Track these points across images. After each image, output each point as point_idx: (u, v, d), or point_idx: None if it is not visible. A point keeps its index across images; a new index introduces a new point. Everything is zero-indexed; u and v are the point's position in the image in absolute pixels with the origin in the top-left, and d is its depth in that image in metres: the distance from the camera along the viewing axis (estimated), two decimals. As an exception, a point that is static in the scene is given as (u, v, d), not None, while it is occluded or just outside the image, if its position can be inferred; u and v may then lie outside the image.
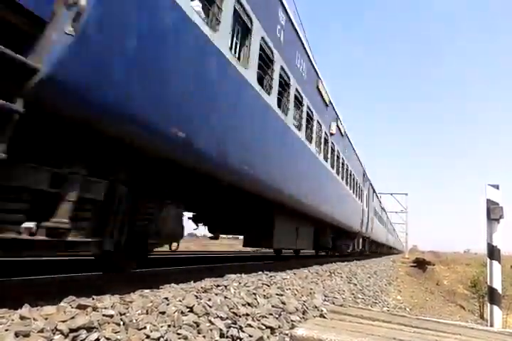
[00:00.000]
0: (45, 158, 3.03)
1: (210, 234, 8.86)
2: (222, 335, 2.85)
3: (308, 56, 8.99)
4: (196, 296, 3.42)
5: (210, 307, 3.19)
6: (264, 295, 4.13)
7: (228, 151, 5.13)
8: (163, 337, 2.50)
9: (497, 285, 7.84)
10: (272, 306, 3.83)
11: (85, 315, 2.43)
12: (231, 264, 7.53)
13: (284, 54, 7.14)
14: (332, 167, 12.07)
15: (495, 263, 7.91)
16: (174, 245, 5.35)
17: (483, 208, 8.13)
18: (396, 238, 63.59)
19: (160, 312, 2.81)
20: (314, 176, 10.01)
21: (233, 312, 3.24)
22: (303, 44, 8.54)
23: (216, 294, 3.68)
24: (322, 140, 10.55)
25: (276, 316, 3.61)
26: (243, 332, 3.01)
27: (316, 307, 4.43)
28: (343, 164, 13.95)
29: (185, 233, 5.41)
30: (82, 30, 2.63)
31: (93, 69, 2.84)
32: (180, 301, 3.16)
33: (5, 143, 2.31)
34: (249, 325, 3.15)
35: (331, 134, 11.55)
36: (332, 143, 11.83)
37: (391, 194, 57.56)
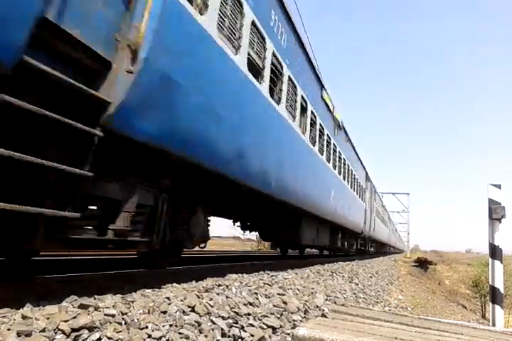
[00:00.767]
0: (115, 172, 3.70)
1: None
2: (223, 335, 2.85)
3: (321, 82, 10.40)
4: (198, 296, 3.42)
5: (212, 306, 3.20)
6: (266, 295, 4.13)
7: (269, 171, 6.57)
8: (164, 337, 2.50)
9: (499, 284, 7.83)
10: (274, 306, 3.83)
11: (87, 315, 2.43)
12: (233, 264, 7.54)
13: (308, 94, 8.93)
14: (339, 173, 13.39)
15: (497, 262, 7.90)
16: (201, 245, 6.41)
17: (485, 208, 8.13)
18: (397, 237, 63.59)
19: (161, 312, 2.81)
20: (325, 183, 11.40)
21: (235, 312, 3.24)
22: (320, 81, 10.25)
23: (218, 294, 3.69)
24: (331, 151, 11.74)
25: (278, 316, 3.61)
26: (245, 331, 3.01)
27: (317, 306, 4.43)
28: (348, 169, 15.13)
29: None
30: (140, 71, 3.22)
31: (149, 102, 3.50)
32: (181, 301, 3.16)
33: (90, 163, 2.91)
34: (251, 325, 3.15)
35: (334, 136, 12.41)
36: (339, 152, 13.14)
37: (393, 194, 57.55)
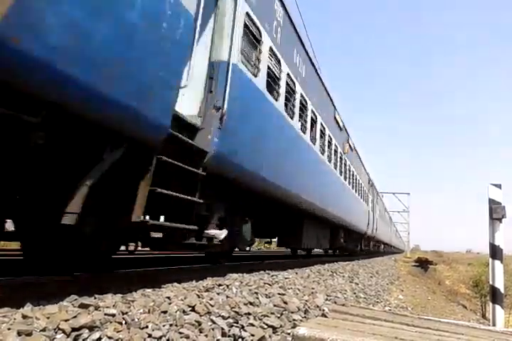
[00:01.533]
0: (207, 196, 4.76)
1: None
2: (224, 334, 2.85)
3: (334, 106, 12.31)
4: (198, 295, 3.42)
5: (212, 306, 3.20)
6: (266, 295, 4.13)
7: (292, 184, 7.89)
8: (165, 336, 2.50)
9: (499, 284, 7.83)
10: (274, 305, 3.83)
11: (87, 314, 2.43)
12: (233, 264, 7.60)
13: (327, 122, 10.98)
14: (345, 179, 14.69)
15: (497, 262, 7.90)
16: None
17: (485, 207, 8.12)
18: (398, 237, 63.64)
19: (162, 312, 2.81)
20: (332, 187, 12.61)
21: (235, 312, 3.24)
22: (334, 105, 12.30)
23: (218, 293, 3.69)
24: (338, 158, 13.19)
25: (278, 315, 3.61)
26: (245, 331, 3.01)
27: (317, 306, 4.42)
28: (353, 175, 16.61)
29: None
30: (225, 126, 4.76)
31: (235, 148, 5.17)
32: (182, 300, 3.17)
33: (198, 192, 4.33)
34: (251, 324, 3.14)
35: (344, 153, 14.33)
36: (345, 159, 14.58)
37: (393, 193, 57.55)
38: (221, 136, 4.69)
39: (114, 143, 3.26)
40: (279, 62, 6.74)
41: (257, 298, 3.85)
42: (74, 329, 2.24)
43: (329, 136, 11.44)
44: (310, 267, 9.36)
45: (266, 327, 3.23)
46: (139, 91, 3.25)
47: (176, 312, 2.85)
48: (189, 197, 4.13)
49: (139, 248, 6.86)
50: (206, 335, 2.72)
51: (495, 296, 7.91)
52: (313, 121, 9.62)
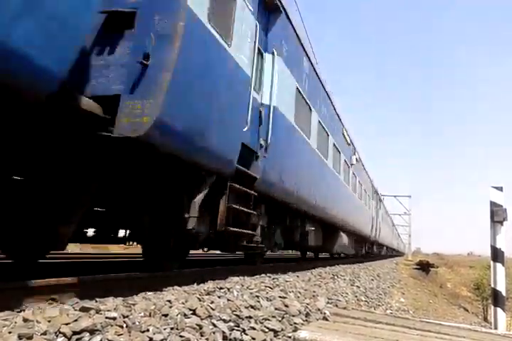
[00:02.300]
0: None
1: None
2: (225, 338, 2.84)
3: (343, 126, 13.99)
4: (199, 299, 3.42)
5: (213, 309, 3.19)
6: (267, 298, 4.13)
7: (314, 196, 9.46)
8: (165, 340, 2.49)
9: (501, 287, 7.81)
10: (275, 309, 3.82)
11: (88, 318, 2.43)
12: (234, 267, 7.59)
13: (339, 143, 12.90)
14: (353, 190, 16.35)
15: (499, 265, 7.88)
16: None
17: (487, 210, 8.11)
18: (399, 241, 63.57)
19: (163, 315, 2.81)
20: (341, 196, 13.81)
21: (236, 315, 3.23)
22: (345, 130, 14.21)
23: (219, 296, 3.68)
24: (346, 170, 14.51)
25: (279, 319, 3.60)
26: (246, 334, 3.00)
27: (319, 309, 4.41)
28: (359, 183, 18.22)
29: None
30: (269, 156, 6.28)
31: (276, 173, 6.78)
32: (183, 303, 3.16)
33: (252, 207, 5.85)
34: (252, 328, 3.14)
35: (351, 164, 15.69)
36: (352, 171, 16.03)
37: (394, 196, 57.45)
38: (266, 164, 6.21)
39: (209, 175, 4.78)
40: (307, 103, 8.80)
41: (258, 301, 3.84)
42: (75, 333, 2.24)
43: (341, 155, 13.51)
44: (311, 270, 9.35)
45: (267, 330, 3.23)
46: (225, 142, 4.92)
47: (176, 315, 2.84)
48: (249, 210, 5.68)
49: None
50: (207, 339, 2.72)
51: (496, 299, 7.89)
52: (336, 150, 12.36)
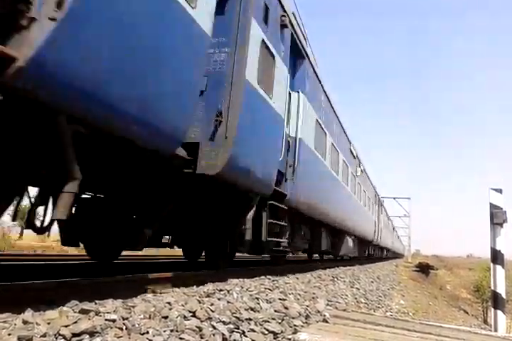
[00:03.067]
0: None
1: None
2: (224, 340, 2.83)
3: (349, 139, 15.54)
4: (199, 301, 3.41)
5: (213, 311, 3.19)
6: (267, 300, 4.12)
7: (327, 207, 11.21)
8: (165, 342, 2.49)
9: (501, 289, 7.81)
10: (275, 311, 3.81)
11: (88, 320, 2.43)
12: (233, 269, 7.60)
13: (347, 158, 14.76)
14: (359, 199, 18.11)
15: (498, 267, 7.89)
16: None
17: (486, 212, 8.11)
18: (399, 243, 63.61)
19: (162, 317, 2.80)
20: (348, 205, 15.29)
21: (236, 317, 3.23)
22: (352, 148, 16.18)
23: (219, 298, 3.68)
24: (352, 181, 16.06)
25: (279, 321, 3.60)
26: (246, 336, 3.00)
27: (318, 311, 4.41)
28: (364, 191, 20.06)
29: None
30: None
31: (299, 193, 8.28)
32: (182, 305, 3.15)
33: (283, 219, 7.54)
34: (252, 330, 3.13)
35: (357, 175, 17.46)
36: (358, 181, 17.82)
37: (394, 198, 57.47)
38: (292, 184, 7.63)
39: (256, 197, 6.12)
40: (323, 130, 10.24)
41: (258, 304, 3.84)
42: (74, 335, 2.23)
43: (348, 169, 15.03)
44: (311, 272, 9.34)
45: (267, 332, 3.22)
46: (267, 171, 6.21)
47: (176, 317, 2.84)
48: (282, 223, 7.12)
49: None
50: (207, 341, 2.71)
51: (496, 301, 7.89)
52: (344, 165, 13.87)
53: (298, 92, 8.03)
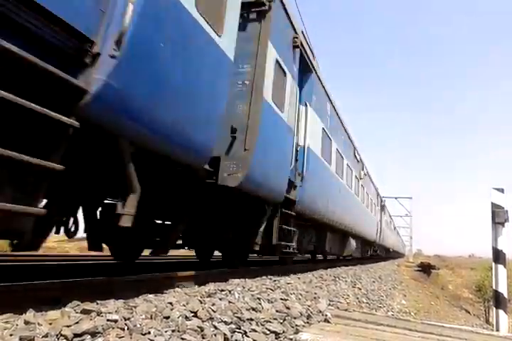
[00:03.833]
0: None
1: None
2: (226, 340, 2.84)
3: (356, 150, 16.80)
4: (200, 301, 3.41)
5: (214, 311, 3.19)
6: (269, 300, 4.12)
7: (333, 211, 11.68)
8: (167, 342, 2.49)
9: (502, 289, 7.80)
10: (276, 311, 3.81)
11: (90, 320, 2.43)
12: (234, 270, 7.63)
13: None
14: (362, 201, 18.89)
15: (500, 267, 7.87)
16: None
17: (488, 212, 8.10)
18: (400, 243, 63.60)
19: (164, 317, 2.80)
20: (352, 207, 15.92)
21: (237, 317, 3.23)
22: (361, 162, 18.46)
23: (220, 298, 3.68)
24: (356, 184, 16.88)
25: (281, 321, 3.60)
26: (247, 336, 3.00)
27: (320, 311, 4.41)
28: (366, 193, 20.72)
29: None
30: None
31: (307, 199, 9.01)
32: (184, 306, 3.16)
33: (292, 224, 8.15)
34: (254, 330, 3.13)
35: (361, 178, 18.13)
36: (361, 184, 18.63)
37: (395, 198, 57.42)
38: (301, 190, 8.13)
39: (269, 204, 6.76)
40: (328, 137, 10.81)
41: (260, 304, 3.84)
42: (76, 335, 2.23)
43: (352, 172, 15.71)
44: (312, 272, 9.34)
45: (268, 332, 3.22)
46: (279, 181, 6.84)
47: (178, 317, 2.84)
48: (291, 228, 7.67)
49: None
50: (208, 341, 2.71)
51: (498, 301, 7.88)
52: (348, 169, 14.53)
53: (306, 104, 8.61)
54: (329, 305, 5.09)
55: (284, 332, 3.36)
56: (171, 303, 3.17)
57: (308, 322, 3.89)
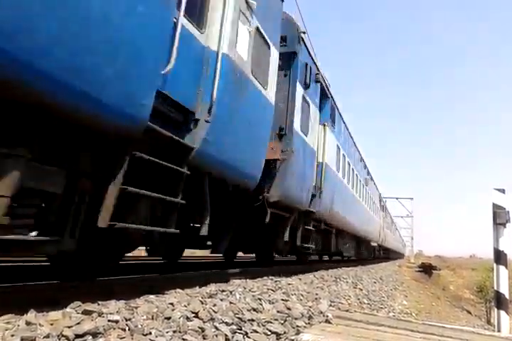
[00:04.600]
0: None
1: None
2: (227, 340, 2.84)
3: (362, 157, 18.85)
4: (201, 301, 3.41)
5: (216, 312, 3.19)
6: (270, 301, 4.12)
7: (345, 217, 13.29)
8: (168, 343, 2.49)
9: (504, 290, 7.79)
10: (278, 311, 3.81)
11: (91, 321, 2.43)
12: (234, 270, 7.64)
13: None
14: (368, 206, 20.76)
15: (502, 267, 7.86)
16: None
17: (489, 212, 8.09)
18: (401, 244, 63.54)
19: (165, 318, 2.80)
20: (359, 212, 17.33)
21: (238, 318, 3.23)
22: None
23: (221, 299, 3.68)
24: (362, 190, 18.50)
25: (282, 321, 3.60)
26: (248, 337, 3.00)
27: (321, 312, 4.40)
28: (370, 198, 22.26)
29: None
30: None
31: (326, 208, 10.37)
32: (185, 306, 3.16)
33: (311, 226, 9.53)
34: (255, 331, 3.13)
35: (366, 184, 19.92)
36: (367, 190, 20.51)
37: (396, 198, 57.33)
38: (319, 202, 9.41)
39: (295, 213, 8.11)
40: (341, 152, 12.47)
41: (261, 304, 3.84)
42: (77, 336, 2.24)
43: (360, 181, 17.57)
44: (313, 273, 9.33)
45: (269, 333, 3.22)
46: (304, 194, 8.27)
47: (179, 318, 2.84)
48: (310, 227, 9.02)
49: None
50: (209, 342, 2.71)
51: (499, 302, 7.87)
52: (357, 178, 16.36)
53: (324, 125, 10.09)
54: (330, 305, 5.08)
55: (285, 332, 3.36)
56: (172, 304, 3.17)
57: (309, 323, 3.89)
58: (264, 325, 3.32)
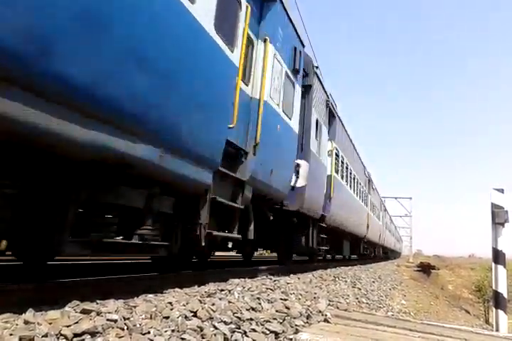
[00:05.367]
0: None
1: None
2: (226, 340, 2.83)
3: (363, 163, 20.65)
4: (200, 301, 3.41)
5: (214, 311, 3.19)
6: (268, 300, 4.12)
7: (349, 221, 15.35)
8: (167, 342, 2.49)
9: (502, 289, 7.80)
10: (276, 311, 3.81)
11: (89, 320, 2.43)
12: (234, 269, 7.65)
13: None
14: (366, 207, 22.00)
15: (500, 267, 7.87)
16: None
17: (488, 212, 8.10)
18: (400, 243, 63.62)
19: (164, 317, 2.80)
20: (363, 217, 19.69)
21: (237, 317, 3.23)
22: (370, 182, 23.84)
23: (220, 298, 3.67)
24: (364, 195, 20.74)
25: (280, 321, 3.59)
26: (247, 336, 2.99)
27: (320, 311, 4.40)
28: (371, 201, 23.85)
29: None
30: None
31: (335, 215, 12.52)
32: (184, 306, 3.15)
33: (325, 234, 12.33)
34: (253, 330, 3.13)
35: (368, 189, 21.91)
36: (369, 196, 22.86)
37: (395, 198, 57.41)
38: (330, 208, 11.14)
39: (311, 219, 10.11)
40: (347, 165, 14.60)
41: (259, 304, 3.83)
42: (76, 335, 2.23)
43: (362, 187, 19.84)
44: (312, 272, 9.34)
45: (268, 332, 3.22)
46: (319, 202, 10.44)
47: (177, 317, 2.84)
48: (325, 236, 11.72)
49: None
50: (208, 341, 2.71)
51: (498, 301, 7.88)
52: (359, 184, 18.62)
53: (331, 141, 11.88)
54: (329, 305, 5.08)
55: (283, 332, 3.36)
56: (170, 303, 3.17)
57: (308, 322, 3.88)
58: (262, 324, 3.32)
